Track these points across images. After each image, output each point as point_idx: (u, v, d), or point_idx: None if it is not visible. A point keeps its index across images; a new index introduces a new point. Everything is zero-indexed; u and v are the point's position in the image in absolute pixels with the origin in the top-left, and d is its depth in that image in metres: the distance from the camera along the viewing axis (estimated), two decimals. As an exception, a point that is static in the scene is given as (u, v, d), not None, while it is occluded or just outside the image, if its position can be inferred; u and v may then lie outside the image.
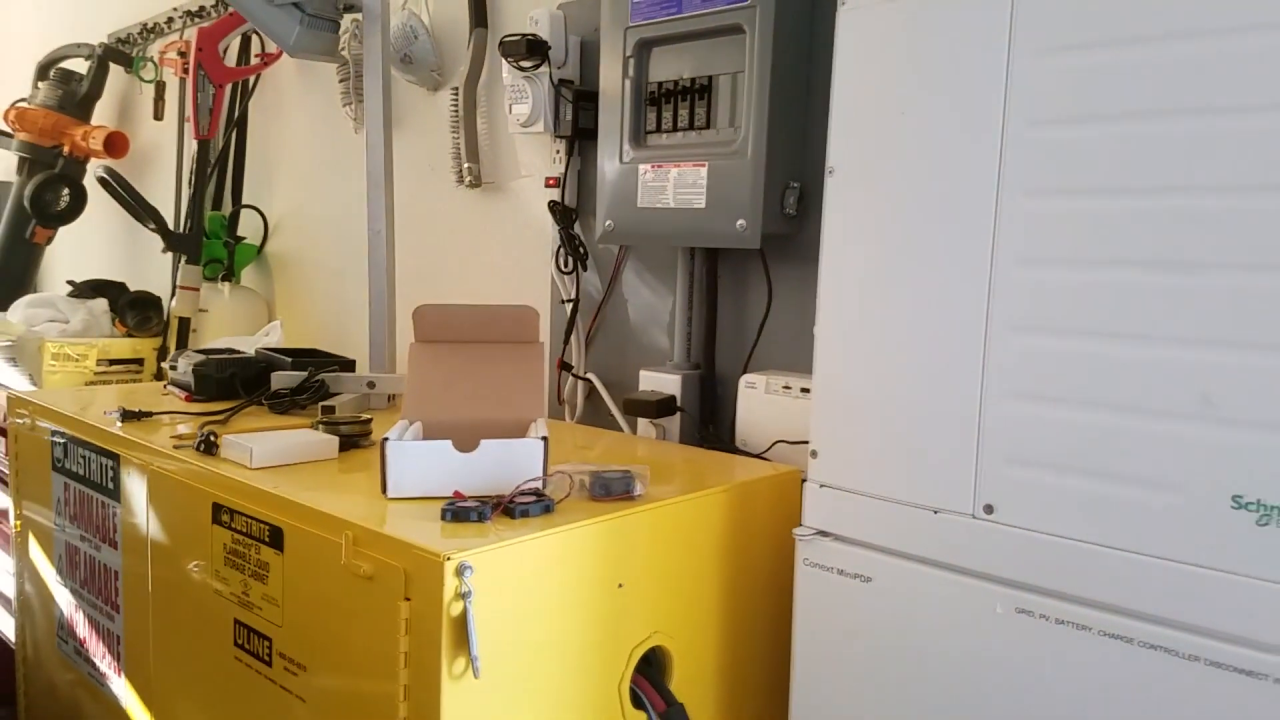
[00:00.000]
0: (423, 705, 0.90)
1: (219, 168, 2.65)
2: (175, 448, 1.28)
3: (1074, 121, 0.87)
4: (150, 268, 3.01)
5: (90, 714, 1.54)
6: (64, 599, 1.59)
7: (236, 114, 2.62)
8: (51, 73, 3.07)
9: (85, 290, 2.82)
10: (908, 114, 0.98)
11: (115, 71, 3.06)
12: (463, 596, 0.87)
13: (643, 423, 1.56)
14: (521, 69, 1.66)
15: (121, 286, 2.86)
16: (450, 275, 2.09)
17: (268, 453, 1.20)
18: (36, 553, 1.68)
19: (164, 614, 1.31)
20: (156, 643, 1.33)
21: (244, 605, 1.13)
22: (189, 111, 2.55)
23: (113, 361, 2.60)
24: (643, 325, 1.69)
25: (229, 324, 2.51)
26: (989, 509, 0.93)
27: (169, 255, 2.62)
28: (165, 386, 1.75)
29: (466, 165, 1.96)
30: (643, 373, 1.58)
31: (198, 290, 2.53)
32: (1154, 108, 0.82)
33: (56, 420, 1.56)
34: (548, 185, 1.75)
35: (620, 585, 1.04)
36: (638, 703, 1.08)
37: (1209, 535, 0.81)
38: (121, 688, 1.42)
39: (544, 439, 1.08)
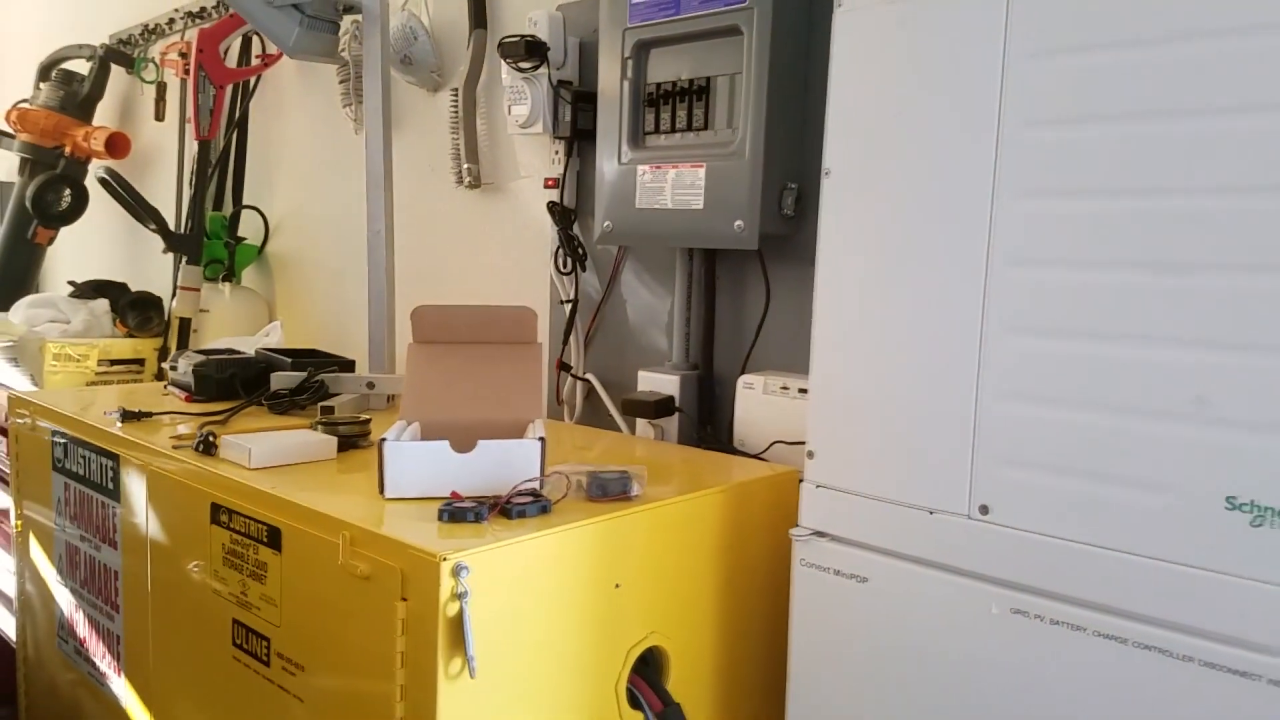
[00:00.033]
0: (419, 705, 0.90)
1: (220, 168, 2.65)
2: (174, 448, 1.29)
3: (1069, 122, 0.87)
4: (151, 268, 3.02)
5: (90, 714, 1.55)
6: (64, 599, 1.59)
7: (237, 115, 2.63)
8: (53, 73, 3.08)
9: (86, 291, 2.83)
10: (903, 115, 0.98)
11: (116, 72, 3.07)
12: (459, 597, 0.87)
13: (641, 423, 1.56)
14: (520, 70, 1.66)
15: (123, 287, 2.87)
16: (450, 276, 2.10)
17: (266, 453, 1.20)
18: (37, 552, 1.69)
19: (163, 614, 1.32)
20: (156, 642, 1.33)
21: (242, 605, 1.13)
22: (190, 112, 2.55)
23: (114, 362, 2.60)
24: (641, 326, 1.69)
25: (229, 324, 2.52)
26: (984, 510, 0.93)
27: (170, 256, 2.63)
28: (165, 387, 1.76)
29: (466, 166, 1.96)
30: (641, 373, 1.58)
31: (198, 291, 2.54)
32: (1149, 109, 0.82)
33: (57, 420, 1.56)
34: (547, 186, 1.75)
35: (617, 585, 1.05)
36: (635, 703, 1.08)
37: (1203, 536, 0.81)
38: (121, 687, 1.43)
39: (541, 440, 1.08)
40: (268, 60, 2.55)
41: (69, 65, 3.11)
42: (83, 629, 1.54)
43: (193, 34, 2.57)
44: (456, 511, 0.98)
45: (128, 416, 1.46)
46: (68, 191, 3.01)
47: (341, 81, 2.25)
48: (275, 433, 1.29)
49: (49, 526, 1.62)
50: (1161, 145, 0.82)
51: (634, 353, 1.69)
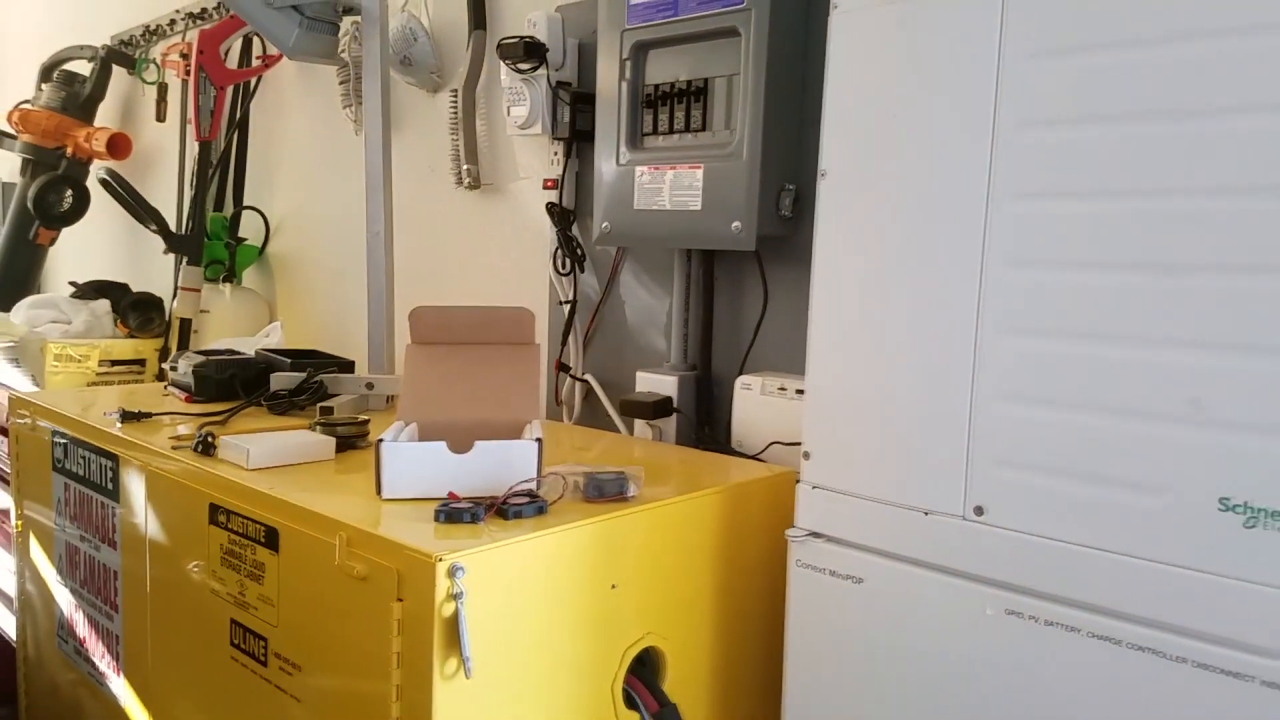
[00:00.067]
0: (415, 705, 0.91)
1: (220, 169, 2.66)
2: (173, 449, 1.29)
3: (1065, 123, 0.87)
4: (152, 269, 3.02)
5: (90, 713, 1.55)
6: (64, 598, 1.60)
7: (238, 116, 2.63)
8: (55, 74, 3.09)
9: (88, 291, 2.83)
10: (900, 116, 0.98)
11: (118, 73, 3.08)
12: (454, 597, 0.88)
13: (639, 424, 1.56)
14: (519, 71, 1.67)
15: (124, 287, 2.87)
16: (449, 276, 2.10)
17: (265, 454, 1.21)
18: (37, 552, 1.69)
19: (162, 614, 1.32)
20: (154, 642, 1.34)
21: (240, 605, 1.14)
22: (190, 113, 2.56)
23: (114, 362, 2.61)
24: (640, 327, 1.69)
25: (230, 325, 2.52)
26: (979, 511, 0.93)
27: (171, 256, 2.63)
28: (166, 387, 1.76)
29: (465, 167, 1.97)
30: (639, 374, 1.58)
31: (199, 291, 2.54)
32: (1145, 109, 0.82)
33: (57, 421, 1.57)
34: (546, 187, 1.76)
35: (613, 586, 1.05)
36: (631, 703, 1.08)
37: (1197, 537, 0.81)
38: (120, 687, 1.43)
39: (538, 440, 1.08)
40: (268, 61, 2.56)
41: (71, 66, 3.11)
42: (82, 629, 1.54)
43: (194, 35, 2.58)
44: (453, 512, 0.98)
45: (127, 417, 1.46)
46: (69, 192, 3.02)
47: (341, 83, 2.25)
48: (274, 433, 1.29)
49: (49, 526, 1.62)
50: (1158, 146, 0.82)
51: (632, 353, 1.69)
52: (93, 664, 1.52)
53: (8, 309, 2.81)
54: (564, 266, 1.76)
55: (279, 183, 2.63)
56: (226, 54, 2.53)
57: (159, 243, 2.58)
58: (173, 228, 2.65)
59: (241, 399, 1.58)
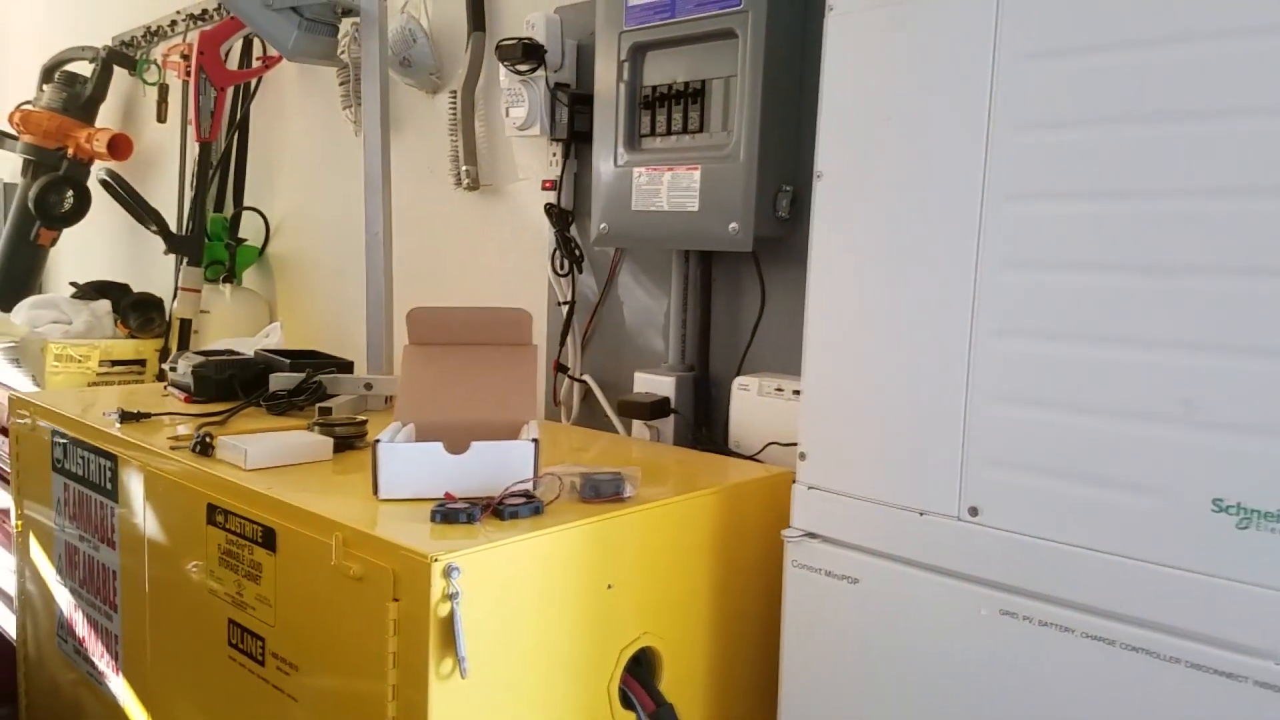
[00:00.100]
0: (411, 705, 0.91)
1: (221, 170, 2.66)
2: (172, 449, 1.29)
3: (1059, 125, 0.87)
4: (153, 269, 3.03)
5: (90, 713, 1.55)
6: (64, 598, 1.60)
7: (238, 117, 2.64)
8: (56, 75, 3.09)
9: (88, 292, 2.84)
10: (895, 118, 0.98)
11: (119, 74, 3.08)
12: (450, 598, 0.88)
13: (637, 424, 1.57)
14: (518, 73, 1.67)
15: (124, 288, 2.88)
16: (449, 277, 2.11)
17: (263, 454, 1.21)
18: (37, 552, 1.70)
19: (161, 614, 1.32)
20: (153, 642, 1.34)
21: (238, 605, 1.14)
22: (191, 114, 2.56)
23: (115, 363, 2.61)
24: (638, 327, 1.69)
25: (230, 325, 2.53)
26: (974, 511, 0.94)
27: (172, 257, 2.64)
28: (165, 388, 1.77)
29: (465, 168, 1.97)
30: (637, 375, 1.58)
31: (199, 292, 2.54)
32: (1138, 111, 0.83)
33: (56, 421, 1.57)
34: (544, 188, 1.76)
35: (610, 586, 1.05)
36: (627, 703, 1.08)
37: (1190, 538, 0.81)
38: (119, 687, 1.44)
39: (534, 441, 1.08)
40: (268, 62, 2.56)
41: (72, 67, 3.12)
42: (82, 628, 1.54)
43: (194, 36, 2.58)
44: (449, 512, 0.99)
45: (126, 417, 1.47)
46: (70, 193, 3.02)
47: (341, 84, 2.26)
48: (272, 434, 1.29)
49: (49, 526, 1.63)
50: (1153, 148, 0.82)
51: (631, 354, 1.70)
52: (92, 664, 1.52)
53: (9, 309, 2.81)
54: (562, 267, 1.76)
55: (279, 183, 2.64)
56: (227, 55, 2.54)
57: (159, 243, 2.58)
58: (173, 228, 2.66)
59: (240, 399, 1.59)
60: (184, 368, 1.68)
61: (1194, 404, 0.80)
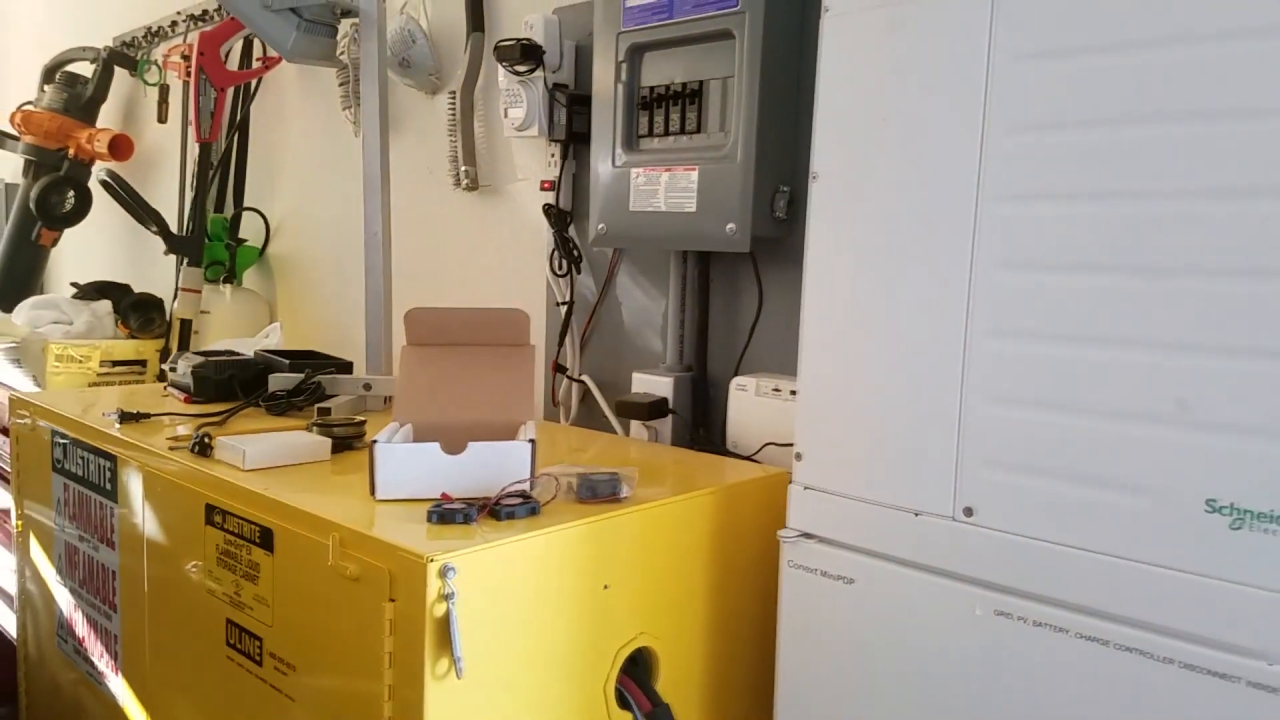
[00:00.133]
0: (407, 705, 0.91)
1: (221, 170, 2.67)
2: (171, 449, 1.30)
3: (1053, 127, 0.87)
4: (154, 270, 3.03)
5: (91, 713, 1.56)
6: (64, 598, 1.60)
7: (238, 117, 2.64)
8: (57, 76, 3.10)
9: (89, 292, 2.84)
10: (890, 119, 0.99)
11: (120, 75, 3.09)
12: (446, 598, 0.88)
13: (635, 425, 1.57)
14: (516, 73, 1.67)
15: (125, 288, 2.89)
16: (448, 278, 2.11)
17: (261, 454, 1.21)
18: (37, 552, 1.70)
19: (159, 614, 1.33)
20: (152, 642, 1.35)
21: (235, 605, 1.14)
22: (191, 115, 2.57)
23: (116, 363, 2.62)
24: (636, 328, 1.70)
25: (230, 326, 2.53)
26: (969, 512, 0.94)
27: (172, 257, 2.64)
28: (165, 388, 1.77)
29: (464, 168, 1.97)
30: (636, 375, 1.59)
31: (199, 292, 2.55)
32: (1132, 113, 0.83)
33: (56, 421, 1.58)
34: (543, 188, 1.76)
35: (606, 587, 1.05)
36: (624, 703, 1.09)
37: (1183, 539, 0.81)
38: (119, 686, 1.44)
39: (531, 441, 1.09)
40: (269, 63, 2.57)
41: (73, 68, 3.12)
42: (81, 628, 1.55)
43: (195, 37, 2.59)
44: (445, 513, 0.99)
45: (125, 418, 1.47)
46: (71, 193, 3.03)
47: (341, 84, 2.26)
48: (271, 434, 1.30)
49: (49, 526, 1.63)
50: (1147, 149, 0.82)
51: (629, 354, 1.70)
52: (91, 663, 1.52)
53: (10, 310, 2.82)
54: (561, 268, 1.76)
55: (279, 184, 2.64)
56: (227, 56, 2.54)
57: (160, 244, 2.59)
58: (174, 229, 2.66)
59: (240, 400, 1.59)
60: (183, 368, 1.69)
61: (1188, 404, 0.81)
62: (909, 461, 0.98)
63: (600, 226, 1.55)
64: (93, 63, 3.07)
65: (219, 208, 2.69)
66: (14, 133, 3.07)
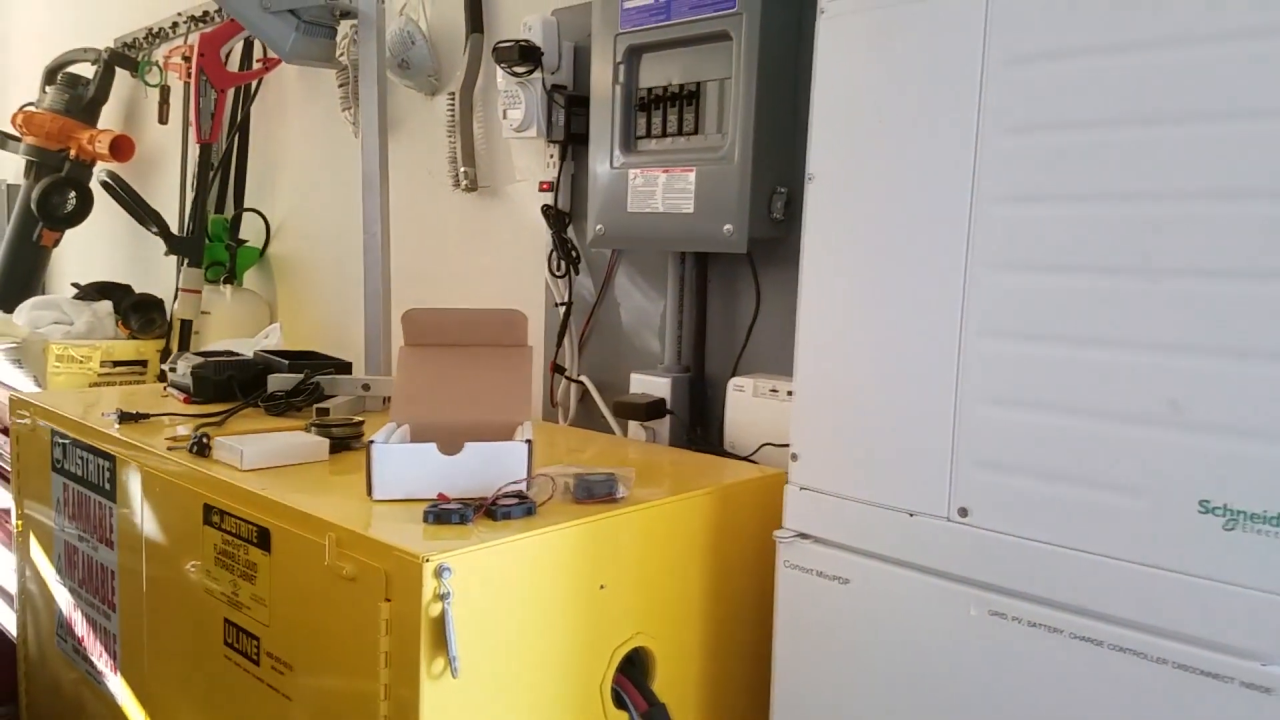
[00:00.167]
0: (403, 704, 0.91)
1: (221, 171, 2.67)
2: (169, 450, 1.30)
3: (1048, 128, 0.88)
4: (154, 270, 3.04)
5: (91, 712, 1.56)
6: (63, 598, 1.61)
7: (239, 118, 2.64)
8: (58, 77, 3.10)
9: (90, 292, 2.84)
10: (885, 121, 0.99)
11: (121, 76, 3.09)
12: (441, 598, 0.89)
13: (633, 425, 1.57)
14: (515, 74, 1.68)
15: (126, 289, 2.89)
16: (447, 278, 2.11)
17: (259, 455, 1.22)
18: (37, 552, 1.71)
19: (158, 613, 1.33)
20: (151, 641, 1.35)
21: (233, 605, 1.15)
22: (192, 116, 2.57)
23: (116, 363, 2.62)
24: (635, 328, 1.70)
25: (231, 326, 2.54)
26: (963, 512, 0.94)
27: (173, 258, 2.65)
28: (165, 389, 1.77)
29: (463, 169, 1.98)
30: (634, 375, 1.59)
31: (199, 293, 2.55)
32: (1126, 114, 0.83)
33: (56, 421, 1.58)
34: (541, 189, 1.77)
35: (602, 587, 1.06)
36: (620, 703, 1.09)
37: (1177, 539, 0.81)
38: (117, 685, 1.44)
39: (528, 442, 1.09)
40: (269, 64, 2.57)
41: (74, 69, 3.13)
42: (81, 627, 1.55)
43: (195, 38, 2.59)
44: (442, 513, 0.99)
45: (125, 418, 1.47)
46: (72, 194, 3.04)
47: (341, 85, 2.27)
48: (269, 434, 1.30)
49: (49, 526, 1.64)
50: (1140, 151, 0.82)
51: (627, 355, 1.70)
52: (91, 662, 1.53)
53: (11, 310, 2.82)
54: (559, 268, 1.77)
55: (279, 185, 2.65)
56: (227, 57, 2.55)
57: (161, 244, 2.59)
58: (174, 229, 2.67)
59: (239, 400, 1.59)
60: (183, 369, 1.69)
61: (1181, 405, 0.81)
62: (904, 462, 0.98)
63: (598, 227, 1.55)
64: (94, 64, 3.07)
65: (219, 208, 2.69)
66: (15, 134, 3.08)
